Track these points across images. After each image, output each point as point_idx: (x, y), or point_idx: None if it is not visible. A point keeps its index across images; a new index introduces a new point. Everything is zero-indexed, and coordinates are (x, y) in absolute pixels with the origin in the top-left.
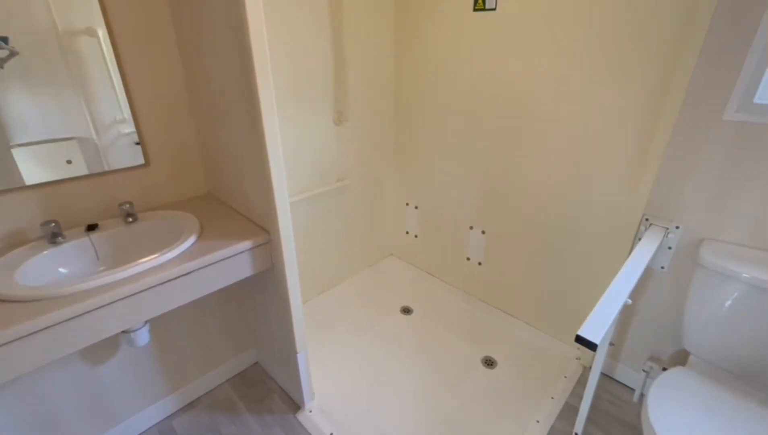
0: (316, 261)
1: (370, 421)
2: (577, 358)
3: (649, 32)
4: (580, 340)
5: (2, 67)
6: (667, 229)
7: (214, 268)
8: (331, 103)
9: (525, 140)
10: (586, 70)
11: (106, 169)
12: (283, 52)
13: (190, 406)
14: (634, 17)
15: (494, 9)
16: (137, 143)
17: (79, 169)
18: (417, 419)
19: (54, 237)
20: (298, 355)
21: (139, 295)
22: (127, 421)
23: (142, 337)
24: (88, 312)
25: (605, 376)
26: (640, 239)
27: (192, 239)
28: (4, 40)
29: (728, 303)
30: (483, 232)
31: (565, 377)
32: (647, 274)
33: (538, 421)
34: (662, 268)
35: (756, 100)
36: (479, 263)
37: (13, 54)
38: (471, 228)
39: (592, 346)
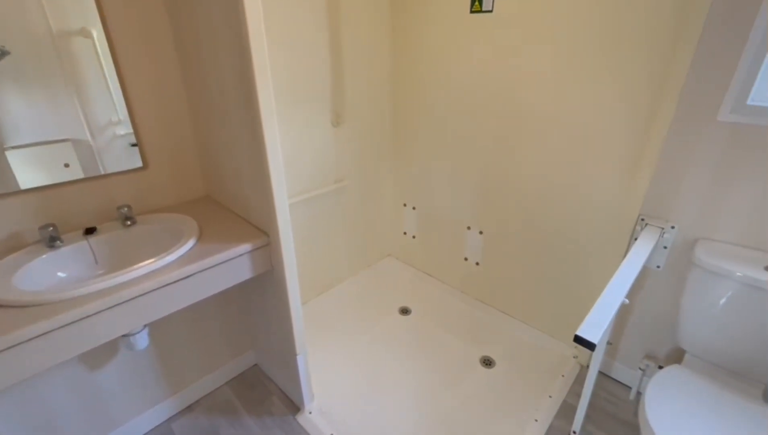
0: (315, 262)
1: (369, 422)
2: (574, 357)
3: (645, 34)
4: (578, 340)
5: None
6: (663, 228)
7: (214, 272)
8: (328, 104)
9: (522, 141)
10: (582, 71)
11: (102, 171)
12: (280, 53)
13: (189, 409)
14: (630, 18)
15: (491, 11)
16: (133, 145)
17: (77, 172)
18: (416, 419)
19: (52, 241)
20: (298, 357)
21: (139, 299)
22: (126, 425)
23: (142, 340)
24: (87, 317)
25: (602, 374)
26: (636, 239)
27: (191, 242)
28: None
29: (722, 301)
30: (480, 233)
31: (563, 376)
32: (643, 273)
33: (536, 420)
34: (658, 267)
35: (749, 101)
36: (477, 263)
37: (4, 54)
38: (468, 228)
39: (590, 346)
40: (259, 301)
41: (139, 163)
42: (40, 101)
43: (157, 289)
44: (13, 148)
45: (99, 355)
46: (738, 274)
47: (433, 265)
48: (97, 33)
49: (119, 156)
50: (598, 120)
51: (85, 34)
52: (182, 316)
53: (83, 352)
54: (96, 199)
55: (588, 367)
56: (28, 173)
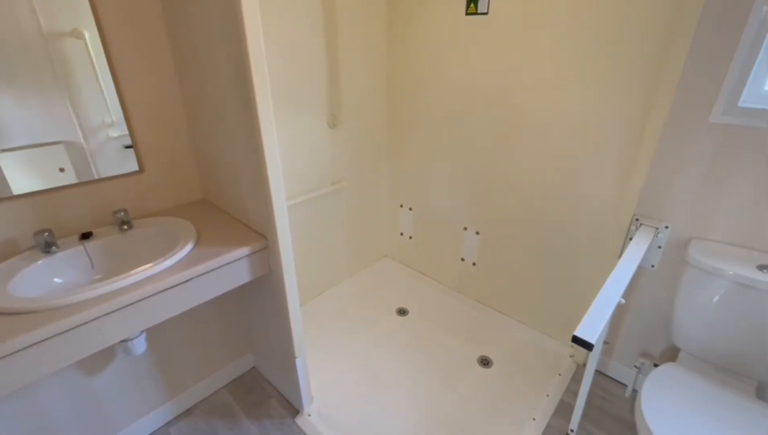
0: (312, 264)
1: (368, 423)
2: (570, 356)
3: (639, 37)
4: (576, 340)
5: None
6: (657, 228)
7: (212, 276)
8: (325, 106)
9: (518, 143)
10: (577, 73)
11: (95, 173)
12: (276, 54)
13: (188, 413)
14: (625, 22)
15: (486, 13)
16: (127, 147)
17: (71, 176)
18: (415, 420)
19: (47, 246)
20: (297, 360)
21: (137, 305)
22: (124, 430)
23: (139, 345)
24: (84, 323)
25: (598, 372)
26: (631, 239)
27: (189, 247)
28: None
29: (716, 300)
30: (477, 233)
31: (560, 375)
32: (638, 272)
33: (534, 419)
34: (652, 266)
35: (740, 103)
36: (473, 264)
37: None
38: (465, 229)
39: (588, 346)
40: (257, 304)
41: (135, 166)
42: (31, 103)
43: (155, 294)
44: (5, 151)
45: (96, 361)
46: (730, 272)
47: (430, 266)
48: (90, 34)
49: (113, 158)
50: (593, 121)
51: (77, 35)
52: (179, 320)
53: (81, 358)
54: (92, 204)
55: (584, 365)
56: (22, 178)
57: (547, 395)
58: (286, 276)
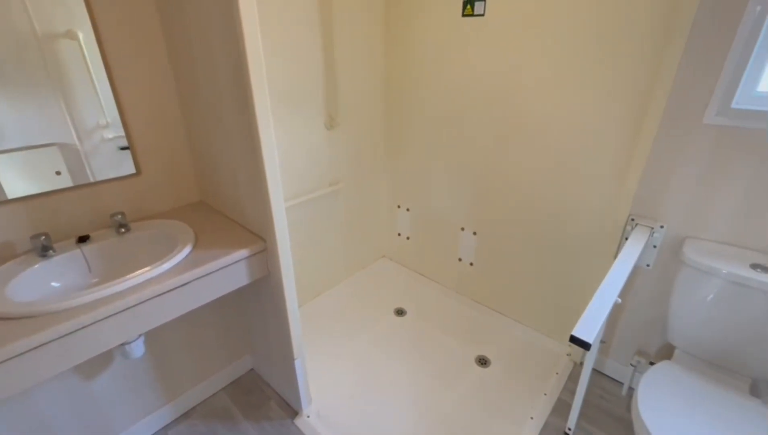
0: (310, 265)
1: (367, 424)
2: (567, 354)
3: (634, 38)
4: (574, 340)
5: None
6: (652, 228)
7: (211, 278)
8: (322, 107)
9: (514, 143)
10: (573, 74)
11: (90, 174)
12: (273, 56)
13: (186, 416)
14: (620, 25)
15: (483, 15)
16: (122, 148)
17: (67, 178)
18: (414, 420)
19: (44, 250)
20: (295, 361)
21: (135, 309)
22: (123, 434)
23: (137, 349)
24: (83, 327)
25: (595, 370)
26: (627, 238)
27: (187, 250)
28: None
29: (710, 298)
30: (474, 233)
31: (557, 374)
32: (634, 272)
33: (532, 418)
34: (648, 266)
35: (733, 105)
36: (471, 264)
37: None
38: (462, 229)
39: (586, 346)
40: (255, 306)
41: (130, 168)
42: (24, 104)
43: (153, 297)
44: None
45: (94, 364)
46: (724, 271)
47: (428, 266)
48: (84, 35)
49: (108, 160)
50: (589, 122)
51: (71, 36)
52: (177, 322)
53: (78, 363)
54: (89, 207)
55: (581, 364)
56: (18, 181)
57: (545, 394)
58: (285, 278)
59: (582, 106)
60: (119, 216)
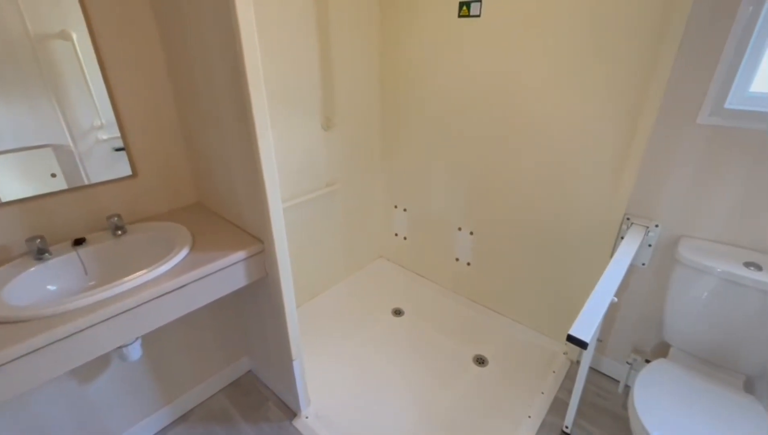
0: (308, 266)
1: (366, 424)
2: (564, 353)
3: (629, 39)
4: (571, 339)
5: None
6: (647, 227)
7: (208, 280)
8: (319, 108)
9: (511, 143)
10: (569, 75)
11: (85, 176)
12: (270, 56)
13: (184, 418)
14: (616, 26)
15: (479, 16)
16: (117, 149)
17: (63, 181)
18: (413, 420)
19: (40, 253)
20: (294, 363)
21: (132, 312)
22: None
23: (135, 351)
24: (80, 331)
25: (591, 369)
26: (622, 238)
27: (184, 252)
28: None
29: (704, 296)
30: (471, 233)
31: (554, 372)
32: (630, 270)
33: (529, 417)
34: (643, 265)
35: (726, 105)
36: (468, 264)
37: None
38: (459, 229)
39: (583, 345)
40: (253, 307)
41: (125, 169)
42: (17, 105)
43: (150, 300)
44: None
45: (91, 367)
46: (718, 270)
47: (425, 266)
48: (78, 35)
49: (103, 161)
50: (585, 122)
51: (65, 36)
52: (175, 324)
53: (76, 366)
54: (85, 209)
55: (578, 362)
56: (13, 184)
57: (542, 393)
58: (283, 279)
59: (577, 107)
60: (115, 218)
